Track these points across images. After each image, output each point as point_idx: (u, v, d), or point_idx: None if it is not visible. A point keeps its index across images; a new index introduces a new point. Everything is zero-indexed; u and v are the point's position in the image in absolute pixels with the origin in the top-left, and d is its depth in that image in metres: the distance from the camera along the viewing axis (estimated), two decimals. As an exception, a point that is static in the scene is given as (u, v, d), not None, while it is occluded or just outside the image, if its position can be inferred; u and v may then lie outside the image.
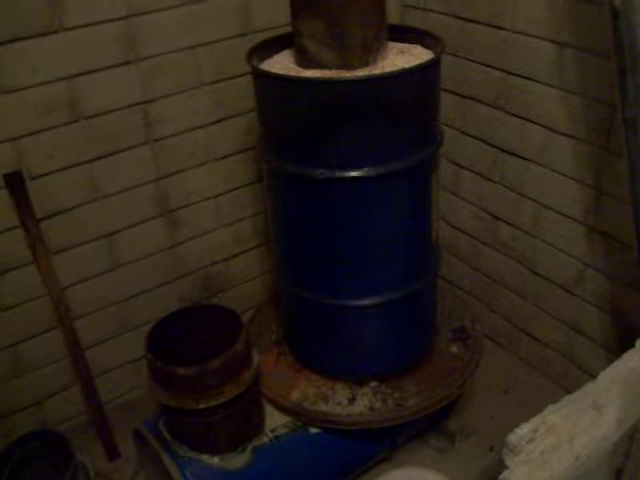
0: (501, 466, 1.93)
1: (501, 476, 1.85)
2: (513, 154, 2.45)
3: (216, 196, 2.60)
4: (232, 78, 2.44)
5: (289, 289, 2.15)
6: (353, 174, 1.82)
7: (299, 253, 2.05)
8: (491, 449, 2.51)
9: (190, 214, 2.56)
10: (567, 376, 2.62)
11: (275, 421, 2.16)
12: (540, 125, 2.30)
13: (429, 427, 2.52)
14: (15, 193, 2.13)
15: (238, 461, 2.06)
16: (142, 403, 2.68)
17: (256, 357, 2.04)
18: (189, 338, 2.06)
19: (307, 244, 2.00)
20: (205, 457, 2.04)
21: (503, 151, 2.48)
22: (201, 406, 1.92)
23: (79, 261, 2.39)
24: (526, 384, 2.73)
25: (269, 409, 2.18)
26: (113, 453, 2.55)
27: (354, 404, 2.13)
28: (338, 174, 1.82)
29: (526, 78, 2.28)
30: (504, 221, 2.61)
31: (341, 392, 2.17)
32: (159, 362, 1.91)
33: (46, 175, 2.21)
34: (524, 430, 1.91)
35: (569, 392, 2.57)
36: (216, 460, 2.05)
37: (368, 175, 1.82)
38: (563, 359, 2.61)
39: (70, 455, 1.85)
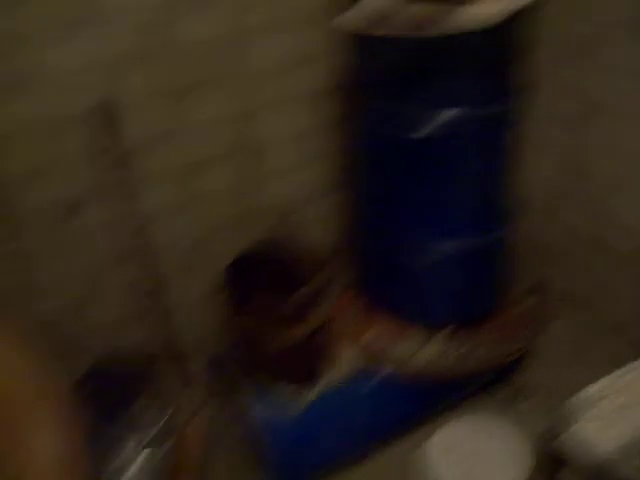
0: (569, 421, 1.93)
1: (571, 430, 1.85)
2: (605, 109, 2.39)
3: (299, 136, 2.59)
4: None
5: (368, 231, 2.15)
6: (439, 117, 1.80)
7: (381, 196, 2.05)
8: (556, 408, 2.49)
9: (271, 153, 2.57)
10: (642, 341, 2.58)
11: (346, 360, 2.19)
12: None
13: (495, 380, 2.52)
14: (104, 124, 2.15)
15: (308, 395, 2.10)
16: (216, 336, 2.74)
17: (334, 294, 2.06)
18: (269, 270, 2.09)
19: (390, 186, 2.00)
20: (277, 388, 2.09)
21: (595, 105, 2.42)
22: (274, 339, 1.95)
23: (158, 194, 2.43)
24: (597, 346, 2.69)
25: (341, 347, 2.20)
26: (186, 381, 2.62)
27: (426, 350, 2.14)
28: (424, 116, 1.80)
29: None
30: (588, 176, 2.55)
31: (413, 337, 2.18)
32: (239, 290, 1.94)
33: (134, 106, 2.23)
34: (595, 388, 1.91)
35: (642, 357, 2.56)
36: (287, 392, 2.09)
37: (457, 117, 1.80)
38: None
39: (151, 376, 1.91)
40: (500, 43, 1.77)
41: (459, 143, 1.86)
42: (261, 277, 2.08)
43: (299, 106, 2.54)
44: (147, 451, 1.90)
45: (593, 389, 1.89)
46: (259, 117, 2.48)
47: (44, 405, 1.11)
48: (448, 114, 1.79)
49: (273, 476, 2.07)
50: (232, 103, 2.40)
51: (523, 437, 2.07)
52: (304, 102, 2.54)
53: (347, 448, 2.25)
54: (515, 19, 1.72)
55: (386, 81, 1.85)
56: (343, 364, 2.18)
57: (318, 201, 2.79)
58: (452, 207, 1.97)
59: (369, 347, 2.15)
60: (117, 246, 2.43)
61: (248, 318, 1.95)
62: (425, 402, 2.32)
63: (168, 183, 2.42)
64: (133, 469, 1.84)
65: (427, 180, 1.93)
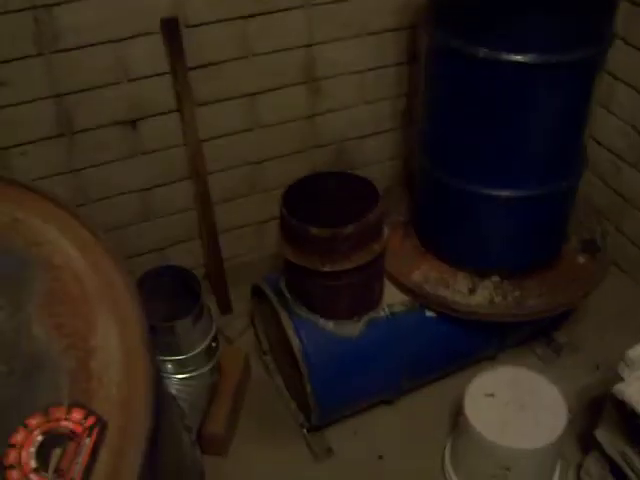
0: (614, 380, 1.93)
1: (616, 387, 1.84)
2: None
3: (362, 71, 2.56)
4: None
5: (427, 171, 2.13)
6: (516, 58, 1.76)
7: (447, 135, 2.03)
8: (597, 368, 2.49)
9: (333, 86, 2.55)
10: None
11: (393, 298, 2.19)
12: None
13: (538, 335, 2.51)
14: (170, 39, 2.15)
15: (352, 329, 2.11)
16: (261, 265, 2.76)
17: (386, 231, 2.05)
18: (324, 201, 2.08)
19: (458, 126, 1.97)
20: (321, 321, 2.09)
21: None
22: (326, 269, 1.95)
23: (221, 116, 2.42)
24: (642, 309, 2.67)
25: (389, 286, 2.20)
26: (226, 308, 2.65)
27: (474, 295, 2.13)
28: (502, 56, 1.76)
29: None
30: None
31: (462, 281, 2.17)
32: (293, 219, 1.94)
33: (201, 25, 2.21)
34: (645, 348, 1.89)
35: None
36: (331, 325, 2.10)
37: (533, 62, 1.76)
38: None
39: (198, 293, 1.92)
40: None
41: (540, 87, 1.81)
42: (318, 206, 2.07)
43: (366, 40, 2.49)
44: (186, 374, 1.93)
45: (642, 349, 1.88)
46: (325, 48, 2.44)
47: (113, 294, 1.12)
48: (530, 57, 1.75)
49: (312, 407, 2.09)
50: (298, 34, 2.37)
51: (562, 392, 2.06)
52: (372, 36, 2.49)
53: (387, 385, 2.26)
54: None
55: (465, 17, 1.80)
56: (390, 302, 2.17)
57: (379, 136, 2.76)
58: (521, 153, 1.93)
59: (417, 287, 2.15)
60: (174, 164, 2.44)
61: (304, 241, 1.94)
62: (467, 346, 2.32)
63: (228, 108, 2.40)
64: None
65: (499, 122, 1.89)
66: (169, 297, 1.97)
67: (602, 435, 2.01)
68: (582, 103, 1.92)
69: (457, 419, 2.18)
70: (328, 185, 2.11)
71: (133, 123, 2.31)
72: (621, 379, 1.84)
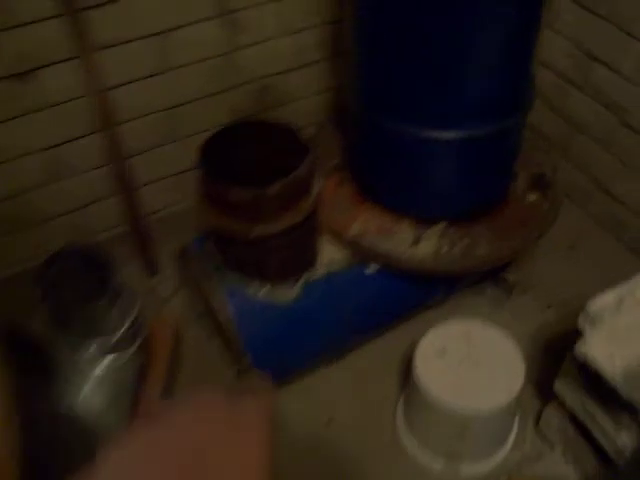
0: (567, 320, 1.79)
1: (576, 347, 1.70)
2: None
3: (280, -3, 2.29)
4: None
5: (362, 111, 1.90)
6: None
7: (381, 70, 1.78)
8: (549, 307, 2.36)
9: (251, 17, 2.27)
10: (641, 240, 2.42)
11: (330, 255, 1.99)
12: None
13: (486, 277, 2.36)
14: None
15: (287, 294, 1.92)
16: (184, 217, 2.53)
17: (318, 184, 1.83)
18: (245, 156, 1.86)
19: (392, 60, 1.72)
20: (253, 287, 1.90)
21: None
22: (255, 233, 1.74)
23: (126, 60, 2.14)
24: (594, 244, 2.54)
25: (324, 241, 2.01)
26: (153, 269, 2.42)
27: (418, 246, 1.95)
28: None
29: None
30: (602, 62, 2.31)
31: (406, 230, 1.98)
32: (214, 181, 1.71)
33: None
34: (608, 298, 1.74)
35: (640, 258, 2.42)
36: (264, 291, 1.90)
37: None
38: (640, 222, 2.40)
39: (109, 274, 1.70)
40: None
41: (484, 6, 1.58)
42: (241, 159, 1.84)
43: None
44: (110, 357, 1.72)
45: (606, 299, 1.73)
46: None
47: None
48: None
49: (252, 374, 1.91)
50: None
51: (516, 343, 1.93)
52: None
53: (330, 346, 2.10)
54: None
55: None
56: (327, 259, 1.98)
57: (304, 69, 2.51)
58: (464, 89, 1.71)
59: (356, 241, 1.95)
60: (79, 118, 2.17)
61: (226, 204, 1.72)
62: (413, 298, 2.16)
63: (134, 50, 2.13)
64: (92, 381, 1.67)
65: (438, 53, 1.65)
66: (83, 278, 1.75)
67: (562, 387, 1.89)
68: (531, 25, 1.70)
69: (408, 377, 2.03)
70: (248, 136, 1.87)
71: (24, 75, 2.02)
72: (581, 337, 1.69)
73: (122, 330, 1.72)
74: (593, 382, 1.71)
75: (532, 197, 2.07)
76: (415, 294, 2.12)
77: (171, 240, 2.47)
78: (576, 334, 1.72)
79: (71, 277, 1.71)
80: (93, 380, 1.69)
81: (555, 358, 2.15)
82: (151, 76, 2.23)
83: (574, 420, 1.91)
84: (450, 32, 1.61)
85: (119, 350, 1.76)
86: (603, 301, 1.72)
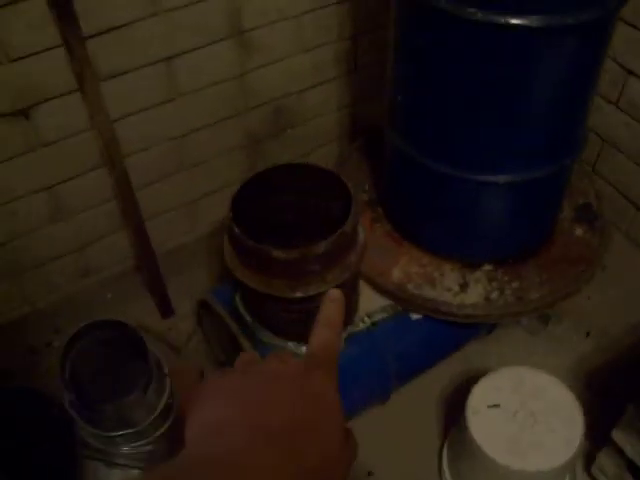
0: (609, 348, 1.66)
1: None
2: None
3: (298, 15, 2.11)
4: None
5: (404, 149, 1.75)
6: (516, 21, 1.38)
7: (431, 111, 1.64)
8: (587, 335, 2.25)
9: (266, 36, 2.10)
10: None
11: (372, 304, 1.86)
12: None
13: (522, 306, 2.24)
14: (56, 3, 1.66)
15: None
16: (196, 248, 2.40)
17: (362, 234, 1.68)
18: (282, 206, 1.70)
19: (444, 102, 1.58)
20: (291, 345, 1.76)
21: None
22: (298, 295, 1.59)
23: (132, 89, 1.97)
24: (627, 264, 2.43)
25: (364, 287, 1.86)
26: (167, 309, 2.26)
27: (466, 292, 1.81)
28: (500, 19, 1.38)
29: None
30: (638, 77, 2.17)
31: (450, 275, 1.85)
32: (249, 239, 1.54)
33: (95, -20, 1.71)
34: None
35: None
36: (303, 349, 1.75)
37: (537, 25, 1.38)
38: (676, 243, 2.29)
39: (143, 351, 1.53)
40: None
41: (543, 55, 1.45)
42: (274, 207, 1.69)
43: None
44: (138, 444, 1.56)
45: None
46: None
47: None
48: (532, 20, 1.37)
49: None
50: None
51: (570, 391, 1.81)
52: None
53: (373, 398, 1.97)
54: None
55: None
56: (368, 307, 1.84)
57: (321, 87, 2.34)
58: (522, 134, 1.58)
59: (400, 289, 1.81)
60: (83, 153, 1.98)
61: (265, 263, 1.56)
62: (458, 341, 2.04)
63: (140, 79, 1.95)
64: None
65: (495, 98, 1.52)
66: (111, 362, 1.58)
67: (622, 437, 1.79)
68: (593, 69, 1.56)
69: (452, 423, 1.92)
70: (285, 183, 1.71)
71: (25, 112, 1.83)
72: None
73: (156, 414, 1.56)
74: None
75: (579, 231, 1.95)
76: (460, 336, 2.00)
77: (182, 274, 2.31)
78: (633, 379, 1.62)
79: (96, 361, 1.53)
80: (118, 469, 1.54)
81: (601, 394, 2.06)
82: (159, 104, 2.05)
83: (631, 468, 1.81)
84: (512, 81, 1.49)
85: (150, 434, 1.59)
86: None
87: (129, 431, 1.52)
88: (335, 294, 0.64)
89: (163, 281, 2.21)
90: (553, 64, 1.47)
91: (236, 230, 1.55)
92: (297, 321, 1.70)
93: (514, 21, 1.38)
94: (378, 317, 1.84)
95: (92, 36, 1.80)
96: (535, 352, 2.19)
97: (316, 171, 1.71)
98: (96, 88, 1.84)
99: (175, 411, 1.65)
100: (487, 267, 1.86)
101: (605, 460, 1.90)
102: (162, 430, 1.61)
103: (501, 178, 1.64)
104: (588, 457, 1.98)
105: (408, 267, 1.86)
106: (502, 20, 1.38)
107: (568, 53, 1.47)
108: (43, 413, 1.82)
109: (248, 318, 1.77)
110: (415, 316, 1.87)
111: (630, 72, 2.19)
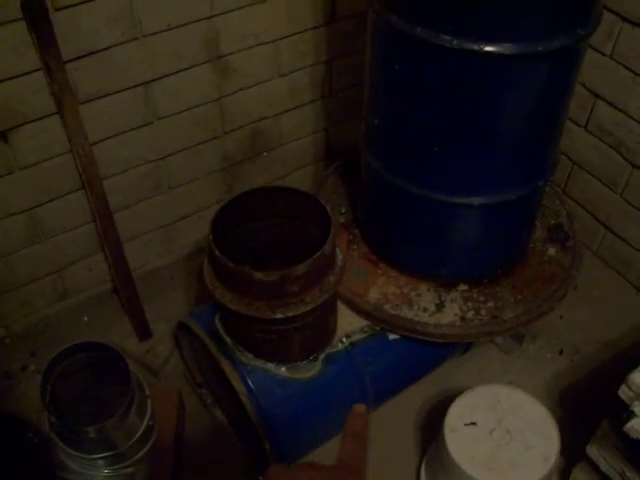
0: (582, 366, 1.68)
1: (629, 425, 1.62)
2: (637, 25, 2.04)
3: (275, 40, 2.15)
4: None
5: (380, 172, 1.78)
6: (490, 49, 1.42)
7: (405, 136, 1.67)
8: (561, 353, 2.29)
9: (243, 61, 2.14)
10: (647, 279, 2.38)
11: (350, 324, 1.88)
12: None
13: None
14: (36, 27, 1.68)
15: (308, 371, 1.80)
16: (174, 270, 2.40)
17: (340, 256, 1.71)
18: (261, 228, 1.72)
19: (419, 128, 1.62)
20: (271, 366, 1.77)
21: (625, 20, 2.07)
22: (278, 316, 1.61)
23: (111, 113, 1.99)
24: (598, 282, 2.48)
25: (342, 309, 1.88)
26: (144, 332, 2.26)
27: (443, 312, 1.85)
28: (474, 46, 1.42)
29: None
30: (606, 101, 2.23)
31: (426, 295, 1.88)
32: (229, 261, 1.56)
33: (75, 5, 1.75)
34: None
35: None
36: (283, 370, 1.78)
37: (510, 53, 1.43)
38: (645, 261, 2.35)
39: (125, 373, 1.54)
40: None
41: (515, 80, 1.49)
42: (256, 235, 1.71)
43: (277, 3, 2.08)
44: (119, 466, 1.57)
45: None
46: (230, 18, 2.02)
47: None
48: (506, 47, 1.41)
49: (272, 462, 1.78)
50: (197, 4, 1.94)
51: (545, 407, 1.85)
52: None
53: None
54: None
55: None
56: (346, 328, 1.86)
57: (297, 111, 2.38)
58: (497, 156, 1.62)
59: (377, 310, 1.84)
60: (62, 176, 1.99)
61: (245, 285, 1.58)
62: (434, 360, 2.07)
63: (119, 102, 1.97)
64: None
65: (469, 124, 1.56)
66: (93, 384, 1.59)
67: (596, 452, 1.82)
68: (564, 94, 1.61)
69: (429, 442, 1.94)
70: (263, 206, 1.74)
71: (3, 135, 1.83)
72: (630, 412, 1.61)
73: (134, 439, 1.57)
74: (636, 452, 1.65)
75: (552, 251, 2.00)
76: (437, 355, 2.03)
77: (159, 297, 2.32)
78: (605, 395, 1.65)
79: (78, 383, 1.54)
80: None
81: (575, 410, 2.10)
82: (137, 128, 2.07)
83: (605, 481, 1.85)
84: (486, 106, 1.54)
85: (131, 456, 1.60)
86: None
87: (110, 453, 1.53)
88: (360, 409, 0.71)
89: (141, 303, 2.21)
90: (526, 89, 1.52)
91: (216, 252, 1.57)
92: (277, 342, 1.71)
93: (488, 48, 1.42)
94: (356, 337, 1.86)
95: (72, 60, 1.82)
96: (510, 370, 2.22)
97: (294, 194, 1.74)
98: (75, 111, 1.86)
99: (155, 433, 1.66)
100: (462, 287, 1.89)
101: (580, 475, 1.93)
102: (143, 452, 1.62)
103: (475, 200, 1.67)
104: (564, 473, 2.01)
105: (385, 288, 1.89)
106: (476, 47, 1.42)
107: (540, 79, 1.52)
108: (19, 437, 1.81)
109: (228, 340, 1.78)
110: (392, 336, 1.89)
111: (597, 96, 2.25)
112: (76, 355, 1.57)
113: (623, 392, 1.67)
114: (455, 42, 1.42)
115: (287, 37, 2.17)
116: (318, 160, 2.55)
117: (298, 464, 0.62)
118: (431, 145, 1.61)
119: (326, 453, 1.94)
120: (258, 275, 1.55)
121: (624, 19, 2.06)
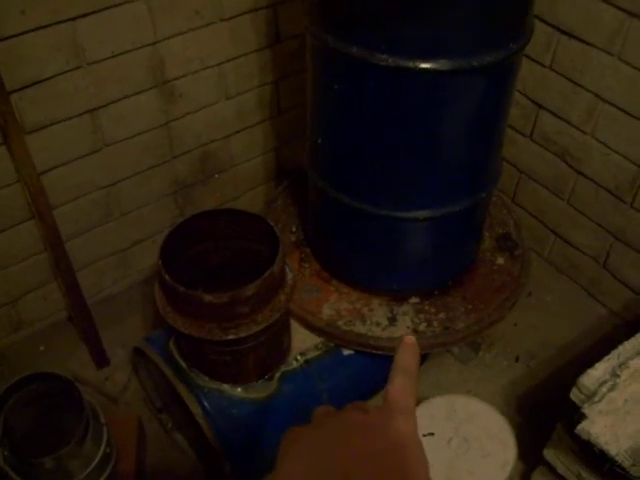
0: (537, 372, 1.70)
1: (580, 426, 1.65)
2: (573, 36, 2.09)
3: (220, 64, 2.17)
4: None
5: (326, 190, 1.80)
6: (425, 65, 1.45)
7: (347, 154, 1.70)
8: (517, 360, 2.33)
9: (189, 85, 2.15)
10: (597, 283, 2.42)
11: (304, 342, 1.89)
12: (614, 6, 1.95)
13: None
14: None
15: (264, 390, 1.81)
16: (129, 296, 2.39)
17: (290, 275, 1.73)
18: (211, 250, 1.73)
19: (360, 145, 1.65)
20: (227, 387, 1.78)
21: (561, 32, 2.12)
22: (230, 337, 1.62)
23: (58, 141, 1.99)
24: (550, 288, 2.52)
25: (296, 327, 1.90)
26: (101, 358, 2.24)
27: (395, 325, 1.87)
28: (410, 64, 1.45)
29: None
30: (549, 111, 2.28)
31: (379, 310, 1.90)
32: (180, 286, 1.57)
33: (18, 36, 1.75)
34: (599, 371, 1.70)
35: (597, 299, 2.41)
36: (239, 390, 1.78)
37: (445, 69, 1.46)
38: (595, 265, 2.39)
39: (79, 401, 1.54)
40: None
41: (453, 96, 1.53)
42: (206, 258, 1.72)
43: (220, 27, 2.09)
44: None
45: (597, 372, 1.69)
46: (174, 43, 2.04)
47: None
48: (440, 64, 1.45)
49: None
50: (140, 31, 1.95)
51: (501, 415, 1.87)
52: (227, 22, 2.10)
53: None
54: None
55: (363, 19, 1.46)
56: (300, 346, 1.88)
57: (246, 132, 2.39)
58: (438, 170, 1.65)
59: (330, 326, 1.85)
60: (10, 206, 1.99)
61: (196, 308, 1.59)
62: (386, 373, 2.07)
63: (65, 131, 1.97)
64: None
65: (408, 139, 1.59)
66: (46, 415, 1.58)
67: (553, 456, 1.85)
68: (501, 106, 1.65)
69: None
70: (212, 228, 1.75)
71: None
72: (583, 415, 1.64)
73: (91, 468, 1.56)
74: (594, 457, 1.67)
75: (500, 260, 2.03)
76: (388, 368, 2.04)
77: (115, 323, 2.31)
78: (561, 399, 1.68)
79: (31, 414, 1.53)
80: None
81: (532, 416, 2.13)
82: (85, 155, 2.07)
83: (564, 485, 1.87)
84: (424, 121, 1.57)
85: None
86: (596, 374, 1.68)
87: (66, 481, 1.52)
88: (409, 340, 0.63)
89: (97, 331, 2.20)
90: (463, 104, 1.55)
91: (166, 277, 1.58)
92: (231, 363, 1.73)
93: (423, 65, 1.45)
94: (311, 355, 1.87)
95: (16, 90, 1.81)
96: (468, 379, 2.25)
97: (242, 215, 1.76)
98: (21, 141, 1.85)
99: (114, 460, 1.66)
100: (414, 300, 1.92)
101: (539, 479, 1.95)
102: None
103: (420, 214, 1.70)
104: (524, 478, 2.03)
105: (338, 304, 1.91)
106: (412, 64, 1.45)
107: (476, 93, 1.55)
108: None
109: (183, 363, 1.78)
110: (347, 352, 1.91)
111: (540, 106, 2.30)
112: (29, 386, 1.56)
113: (574, 394, 1.70)
114: (390, 60, 1.45)
115: (232, 60, 2.18)
116: (270, 180, 2.56)
117: (346, 407, 0.58)
118: (373, 162, 1.64)
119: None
120: (208, 298, 1.56)
121: (561, 31, 2.11)
